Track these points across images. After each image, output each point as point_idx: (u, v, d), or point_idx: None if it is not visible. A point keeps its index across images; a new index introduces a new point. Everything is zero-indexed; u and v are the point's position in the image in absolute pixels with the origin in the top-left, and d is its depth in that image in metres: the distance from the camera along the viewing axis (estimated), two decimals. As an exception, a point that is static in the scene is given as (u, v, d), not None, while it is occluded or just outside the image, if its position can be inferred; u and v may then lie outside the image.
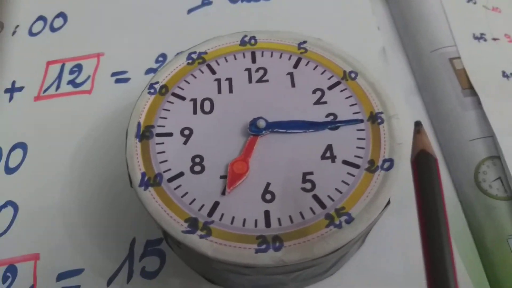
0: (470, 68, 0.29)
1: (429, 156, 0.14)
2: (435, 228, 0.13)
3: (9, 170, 0.27)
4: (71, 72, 0.31)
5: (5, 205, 0.26)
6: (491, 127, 0.26)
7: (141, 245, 0.24)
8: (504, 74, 0.29)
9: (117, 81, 0.31)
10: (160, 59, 0.32)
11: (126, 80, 0.31)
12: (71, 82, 0.31)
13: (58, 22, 0.34)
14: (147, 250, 0.24)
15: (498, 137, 0.26)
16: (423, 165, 0.14)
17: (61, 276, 0.23)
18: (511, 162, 0.25)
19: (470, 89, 0.28)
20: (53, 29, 0.34)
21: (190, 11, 0.34)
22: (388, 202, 0.19)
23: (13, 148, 0.28)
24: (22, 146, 0.28)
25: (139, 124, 0.22)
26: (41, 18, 0.35)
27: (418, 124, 0.15)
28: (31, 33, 0.34)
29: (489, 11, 0.32)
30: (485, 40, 0.31)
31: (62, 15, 0.35)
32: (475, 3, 0.33)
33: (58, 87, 0.31)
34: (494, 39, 0.31)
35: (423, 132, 0.15)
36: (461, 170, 0.26)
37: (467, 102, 0.28)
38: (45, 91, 0.31)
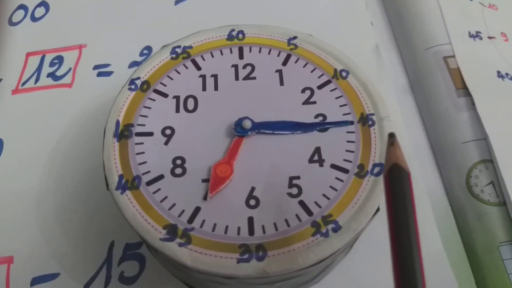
0: (465, 68, 0.28)
1: (402, 171, 0.13)
2: (406, 245, 0.12)
3: (-17, 167, 0.26)
4: (51, 64, 0.30)
5: (-22, 204, 0.25)
6: (485, 129, 0.25)
7: (120, 249, 0.23)
8: (499, 74, 0.28)
9: (100, 74, 0.29)
10: (145, 52, 0.30)
11: (109, 73, 0.29)
12: (51, 75, 0.29)
13: (40, 11, 0.33)
14: (126, 254, 0.23)
15: (492, 140, 0.25)
16: (395, 180, 0.13)
17: (35, 281, 0.22)
18: (504, 166, 0.24)
19: (464, 89, 0.27)
20: (34, 19, 0.32)
21: (177, 2, 0.33)
22: (377, 210, 0.18)
23: (-12, 144, 0.27)
24: (-2, 141, 0.27)
25: (117, 122, 0.21)
26: (22, 7, 0.33)
27: (392, 136, 0.15)
28: (11, 23, 0.32)
29: (485, 8, 0.32)
30: (481, 38, 0.30)
31: (43, 4, 0.33)
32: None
33: (37, 80, 0.29)
34: (490, 37, 0.30)
35: (397, 145, 0.14)
36: (453, 174, 0.25)
37: (461, 103, 0.27)
38: (23, 84, 0.29)
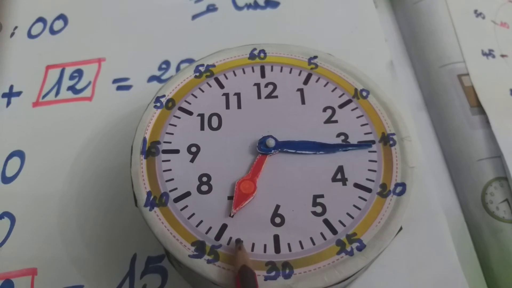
0: (479, 86, 0.28)
1: (249, 270, 0.17)
2: None
3: (5, 180, 0.26)
4: (71, 77, 0.30)
5: (1, 216, 0.25)
6: (499, 147, 0.26)
7: (142, 262, 0.24)
8: (512, 93, 0.29)
9: (119, 88, 0.30)
10: (163, 66, 0.31)
11: (128, 87, 0.30)
12: (71, 88, 0.30)
13: (58, 24, 0.33)
14: (148, 267, 0.23)
15: (506, 157, 0.26)
16: (245, 276, 0.17)
17: (59, 293, 0.23)
18: (519, 184, 0.25)
19: (478, 107, 0.28)
20: (53, 32, 0.33)
21: (194, 17, 0.33)
22: (400, 229, 0.19)
23: (10, 156, 0.27)
24: (20, 154, 0.27)
25: (144, 139, 0.21)
26: (41, 19, 0.34)
27: (238, 241, 0.18)
28: (30, 35, 0.33)
29: (497, 26, 0.32)
30: (494, 56, 0.30)
31: (62, 17, 0.34)
32: (483, 17, 0.32)
33: (57, 93, 0.30)
34: (503, 55, 0.30)
35: (243, 249, 0.18)
36: (468, 191, 0.26)
37: (475, 121, 0.27)
38: (44, 96, 0.30)
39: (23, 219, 0.25)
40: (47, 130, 0.28)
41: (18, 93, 0.30)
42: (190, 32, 0.32)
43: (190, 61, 0.31)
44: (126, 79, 0.30)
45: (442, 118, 0.28)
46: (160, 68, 0.31)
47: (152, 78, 0.30)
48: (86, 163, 0.27)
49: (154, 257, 0.24)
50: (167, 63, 0.31)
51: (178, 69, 0.30)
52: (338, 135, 0.21)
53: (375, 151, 0.21)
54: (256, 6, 0.33)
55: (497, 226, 0.24)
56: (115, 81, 0.30)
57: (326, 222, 0.19)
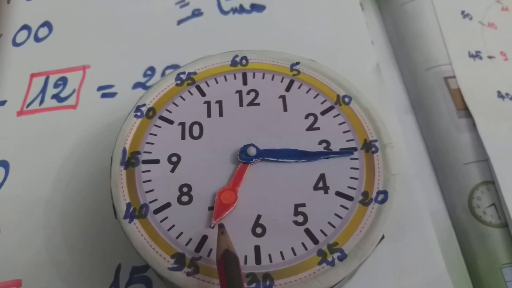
0: (465, 88, 0.28)
1: (232, 254, 0.17)
2: None
3: (-11, 190, 0.26)
4: (56, 85, 0.30)
5: (-15, 228, 0.25)
6: (486, 150, 0.26)
7: (127, 272, 0.23)
8: (499, 95, 0.28)
9: (104, 95, 0.30)
10: (149, 72, 0.31)
11: (112, 94, 0.30)
12: (56, 96, 0.30)
13: (43, 32, 0.33)
14: (133, 277, 0.23)
15: (493, 161, 0.25)
16: (228, 261, 0.16)
17: (43, 305, 0.23)
18: (505, 188, 0.25)
19: (465, 110, 0.27)
20: (37, 39, 0.33)
21: (180, 22, 0.33)
22: (382, 237, 0.19)
23: (-6, 166, 0.27)
24: (4, 164, 0.27)
25: (124, 150, 0.21)
26: (25, 27, 0.33)
27: (221, 226, 0.18)
28: (15, 43, 0.33)
29: (485, 28, 0.32)
30: (481, 58, 0.30)
31: (47, 24, 0.33)
32: (471, 18, 0.32)
33: (42, 102, 0.29)
34: (490, 57, 0.30)
35: (226, 234, 0.18)
36: (455, 195, 0.26)
37: (462, 124, 0.27)
38: (28, 105, 0.29)
39: (7, 230, 0.25)
40: (32, 139, 0.28)
41: (3, 102, 0.30)
42: (175, 38, 0.32)
43: (175, 67, 0.30)
44: (111, 86, 0.30)
45: (429, 121, 0.28)
46: (145, 75, 0.30)
47: (137, 85, 0.30)
48: (71, 171, 0.27)
49: (138, 267, 0.23)
50: (152, 69, 0.31)
51: (163, 75, 0.30)
52: (320, 143, 0.21)
53: (357, 158, 0.20)
54: (242, 10, 0.33)
55: (484, 231, 0.24)
56: (99, 88, 0.30)
57: (308, 232, 0.19)
